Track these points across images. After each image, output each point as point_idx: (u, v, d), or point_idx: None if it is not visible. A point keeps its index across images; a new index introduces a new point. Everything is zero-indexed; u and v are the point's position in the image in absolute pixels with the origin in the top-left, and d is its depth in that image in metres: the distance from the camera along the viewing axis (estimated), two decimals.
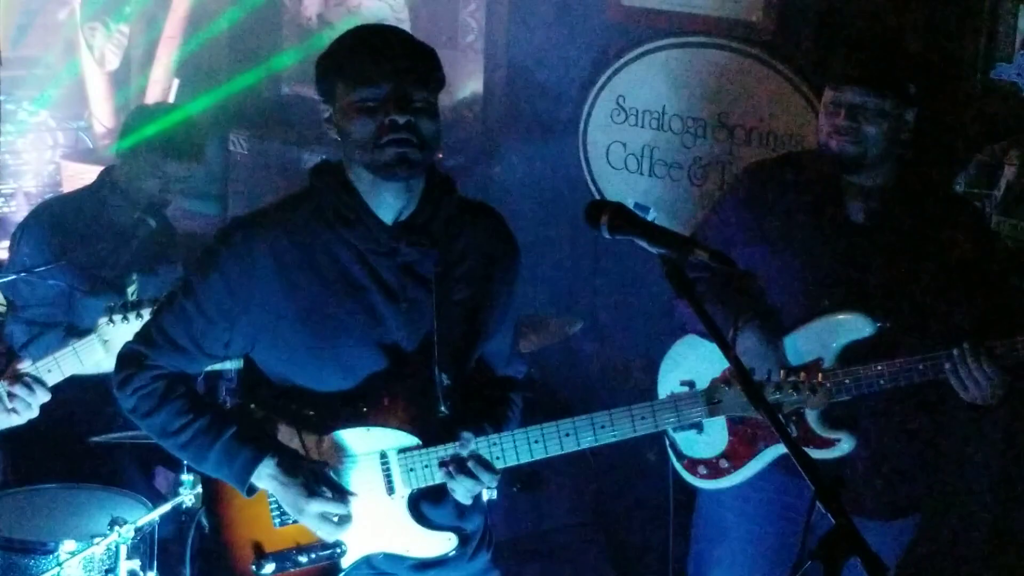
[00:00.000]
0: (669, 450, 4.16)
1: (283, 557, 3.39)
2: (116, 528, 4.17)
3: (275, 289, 3.27)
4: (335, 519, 3.33)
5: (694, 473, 4.12)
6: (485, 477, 3.30)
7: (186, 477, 4.53)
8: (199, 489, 4.48)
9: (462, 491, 3.33)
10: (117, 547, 4.19)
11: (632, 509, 5.73)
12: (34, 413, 3.88)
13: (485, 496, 3.66)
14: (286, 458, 3.32)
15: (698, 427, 4.06)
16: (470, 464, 3.30)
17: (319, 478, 3.32)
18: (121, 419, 5.01)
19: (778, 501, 4.01)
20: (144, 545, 4.31)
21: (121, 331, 3.81)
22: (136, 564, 4.26)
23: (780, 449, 3.90)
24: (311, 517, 3.31)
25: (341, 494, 3.34)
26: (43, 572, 4.13)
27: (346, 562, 3.39)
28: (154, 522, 4.32)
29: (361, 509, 3.36)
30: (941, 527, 4.82)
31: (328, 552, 3.38)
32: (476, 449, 3.31)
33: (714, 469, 4.07)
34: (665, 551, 4.11)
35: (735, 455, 4.03)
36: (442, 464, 3.32)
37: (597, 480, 5.76)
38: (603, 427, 3.35)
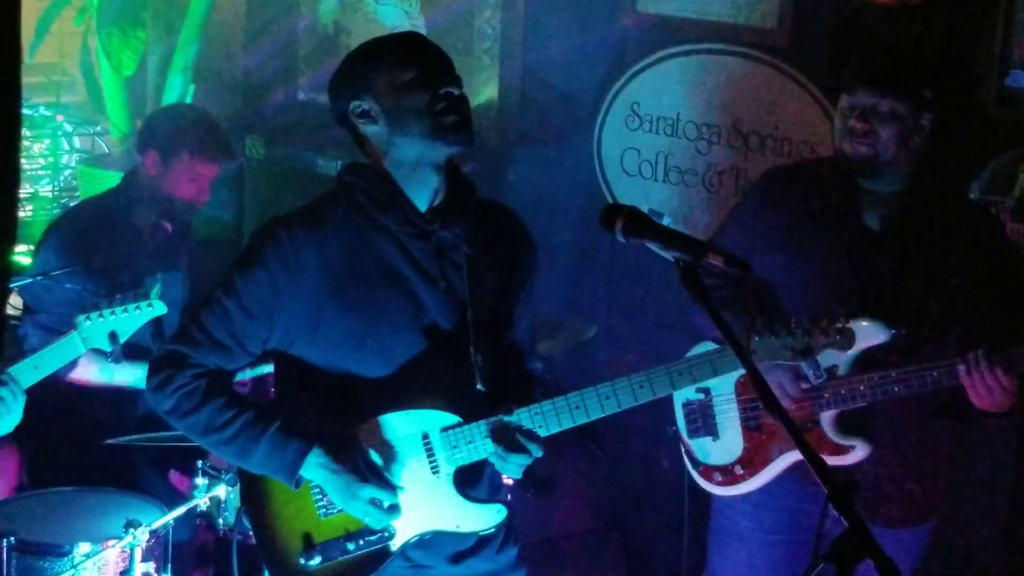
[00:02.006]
0: (684, 457, 4.17)
1: (330, 547, 3.42)
2: (131, 530, 4.18)
3: (318, 282, 3.33)
4: (385, 506, 3.36)
5: (710, 480, 4.12)
6: (532, 447, 3.33)
7: (200, 481, 4.54)
8: (214, 492, 4.50)
9: (513, 467, 3.37)
10: (132, 549, 4.20)
11: (647, 516, 5.72)
12: (13, 416, 3.91)
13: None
14: (334, 447, 3.35)
15: (714, 434, 4.07)
16: (516, 436, 3.33)
17: (368, 464, 3.36)
18: (136, 422, 5.04)
19: (793, 508, 4.00)
20: (159, 548, 4.32)
21: (97, 327, 4.01)
22: (151, 566, 4.27)
23: (796, 455, 3.89)
24: (362, 503, 3.34)
25: (390, 480, 3.38)
26: (58, 574, 4.14)
27: (395, 544, 3.42)
28: (169, 525, 4.33)
29: (408, 491, 3.39)
30: (956, 535, 4.81)
31: (376, 536, 3.41)
32: (519, 419, 3.35)
33: (729, 476, 4.07)
34: (679, 558, 4.11)
35: (750, 461, 4.03)
36: (493, 433, 3.34)
37: (611, 487, 5.76)
38: (641, 387, 3.38)
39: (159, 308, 4.14)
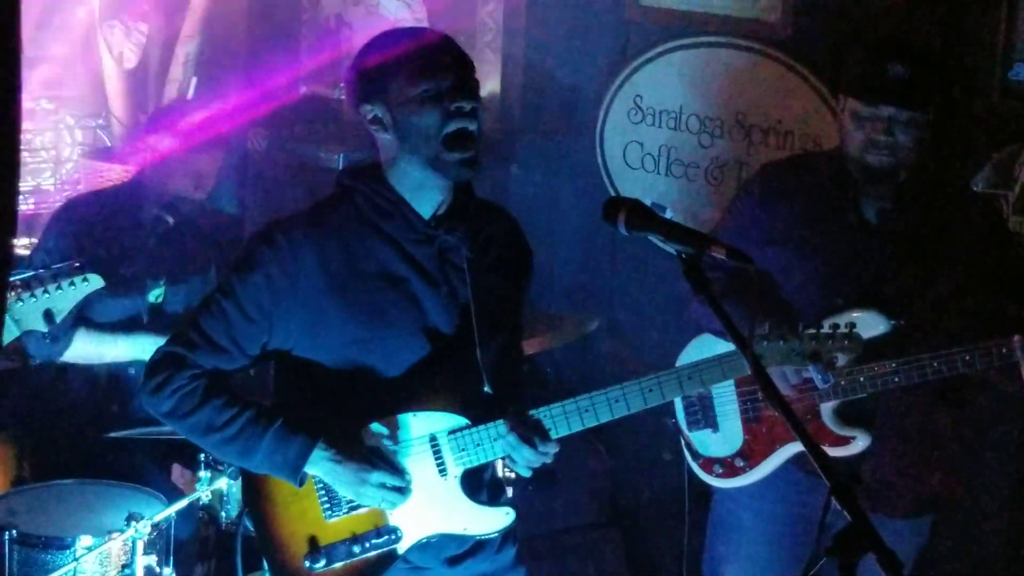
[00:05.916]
0: (685, 449, 4.17)
1: (336, 549, 3.40)
2: (133, 524, 4.18)
3: (318, 286, 3.31)
4: (397, 487, 3.34)
5: (710, 472, 4.12)
6: (540, 445, 3.32)
7: (203, 474, 4.54)
8: (216, 486, 4.50)
9: (522, 463, 3.36)
10: (134, 542, 4.20)
11: (648, 509, 5.73)
12: None
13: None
14: (338, 441, 3.34)
15: (713, 426, 4.07)
16: (531, 437, 3.32)
17: (376, 452, 3.35)
18: (138, 415, 5.03)
19: (794, 500, 4.01)
20: (161, 541, 4.31)
21: (29, 307, 3.85)
22: (152, 559, 4.27)
23: (795, 447, 3.90)
24: (373, 488, 3.32)
25: (398, 467, 3.37)
26: (60, 567, 4.14)
27: (402, 547, 3.40)
28: (171, 518, 4.33)
29: (415, 493, 3.38)
30: (958, 526, 4.81)
31: (383, 539, 3.39)
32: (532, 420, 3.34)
33: (730, 468, 4.07)
34: (680, 550, 4.11)
35: (750, 453, 4.03)
36: (507, 433, 3.31)
37: (612, 480, 5.76)
38: (651, 390, 3.38)
39: (95, 282, 3.97)
